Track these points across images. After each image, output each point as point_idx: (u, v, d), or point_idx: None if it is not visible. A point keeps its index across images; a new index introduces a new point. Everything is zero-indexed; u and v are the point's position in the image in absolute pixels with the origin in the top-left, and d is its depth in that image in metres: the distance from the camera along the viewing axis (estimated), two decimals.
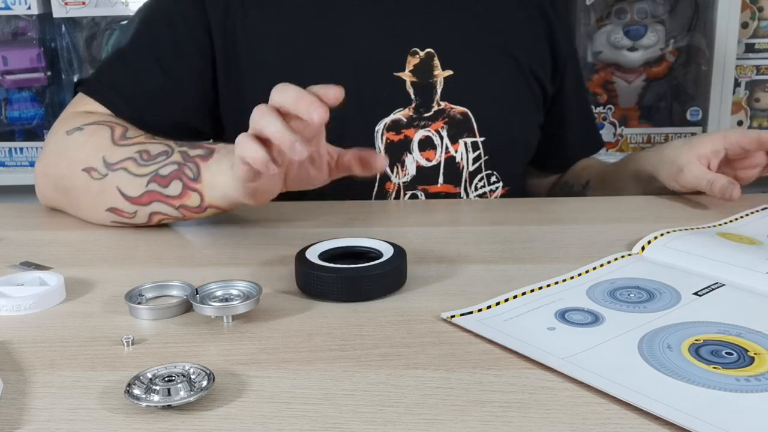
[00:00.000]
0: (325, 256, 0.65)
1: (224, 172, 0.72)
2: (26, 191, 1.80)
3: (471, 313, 0.57)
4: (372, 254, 0.65)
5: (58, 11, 1.63)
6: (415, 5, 0.94)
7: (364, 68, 0.91)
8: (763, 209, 0.79)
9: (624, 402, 0.45)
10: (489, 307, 0.58)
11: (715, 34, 1.59)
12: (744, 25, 1.63)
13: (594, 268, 0.65)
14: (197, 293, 0.58)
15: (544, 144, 1.05)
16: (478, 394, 0.46)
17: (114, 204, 0.77)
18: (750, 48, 1.65)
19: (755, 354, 0.49)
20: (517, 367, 0.50)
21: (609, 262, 0.67)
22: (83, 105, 0.89)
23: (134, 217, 0.78)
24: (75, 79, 1.73)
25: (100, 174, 0.77)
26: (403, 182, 0.92)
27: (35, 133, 1.72)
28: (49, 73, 1.71)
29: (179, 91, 0.91)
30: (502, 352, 0.52)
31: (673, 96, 1.71)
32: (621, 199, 0.91)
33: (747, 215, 0.75)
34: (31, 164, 1.72)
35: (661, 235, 0.71)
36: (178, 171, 0.75)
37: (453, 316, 0.56)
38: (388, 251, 0.64)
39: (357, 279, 0.60)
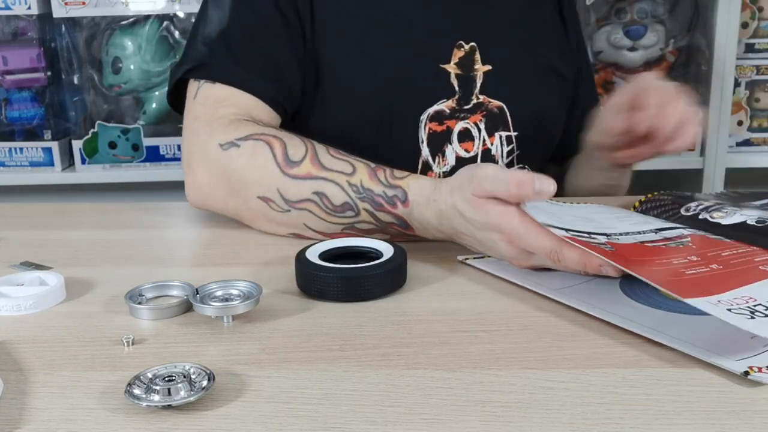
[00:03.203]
0: (325, 256, 0.65)
1: (433, 225, 0.70)
2: (26, 191, 1.80)
3: (483, 257, 0.69)
4: (372, 254, 0.65)
5: (58, 11, 1.63)
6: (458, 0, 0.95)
7: (413, 58, 0.92)
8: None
9: (624, 402, 0.45)
10: None
11: (715, 34, 1.58)
12: (744, 25, 1.63)
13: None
14: (197, 293, 0.58)
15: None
16: (478, 394, 0.46)
17: (302, 232, 0.76)
18: (750, 48, 1.65)
19: None
20: (517, 367, 0.50)
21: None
22: (209, 93, 0.84)
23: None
24: (75, 79, 1.73)
25: (280, 208, 0.75)
26: (443, 172, 0.94)
27: (35, 133, 1.72)
28: (49, 73, 1.70)
29: (295, 56, 0.89)
30: (503, 351, 0.52)
31: None
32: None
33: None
34: (32, 164, 1.72)
35: None
36: (381, 228, 0.73)
37: (467, 259, 0.69)
38: (388, 251, 0.64)
39: (357, 279, 0.60)
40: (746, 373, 0.47)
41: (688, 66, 1.68)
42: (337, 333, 0.55)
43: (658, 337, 0.52)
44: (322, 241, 0.67)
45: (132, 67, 1.68)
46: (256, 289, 0.58)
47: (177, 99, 0.90)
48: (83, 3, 1.62)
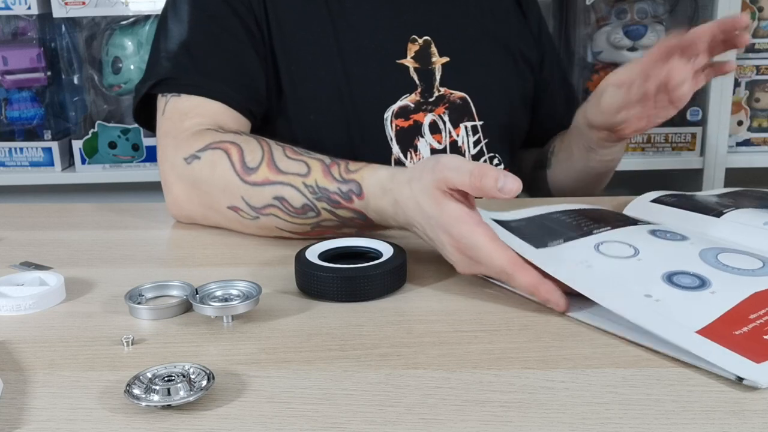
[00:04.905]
0: (324, 256, 0.65)
1: (387, 209, 0.68)
2: (26, 191, 1.80)
3: None
4: (372, 254, 0.65)
5: (58, 11, 1.63)
6: None
7: (369, 56, 0.92)
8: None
9: (624, 402, 0.45)
10: None
11: None
12: None
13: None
14: (197, 293, 0.58)
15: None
16: (477, 394, 0.46)
17: (276, 233, 0.76)
18: (750, 48, 1.65)
19: None
20: (516, 367, 0.50)
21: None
22: (176, 106, 0.84)
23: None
24: (75, 79, 1.74)
25: (249, 216, 0.76)
26: None
27: (35, 133, 1.72)
28: (49, 73, 1.70)
29: (258, 61, 0.89)
30: (502, 351, 0.52)
31: None
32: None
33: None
34: (32, 164, 1.72)
35: None
36: (344, 223, 0.72)
37: None
38: (387, 251, 0.64)
39: (357, 279, 0.60)
40: (740, 378, 0.47)
41: None
42: (336, 333, 0.55)
43: (651, 343, 0.52)
44: (318, 241, 0.67)
45: (132, 67, 1.68)
46: (256, 289, 0.58)
47: (145, 116, 0.90)
48: (83, 3, 1.62)
